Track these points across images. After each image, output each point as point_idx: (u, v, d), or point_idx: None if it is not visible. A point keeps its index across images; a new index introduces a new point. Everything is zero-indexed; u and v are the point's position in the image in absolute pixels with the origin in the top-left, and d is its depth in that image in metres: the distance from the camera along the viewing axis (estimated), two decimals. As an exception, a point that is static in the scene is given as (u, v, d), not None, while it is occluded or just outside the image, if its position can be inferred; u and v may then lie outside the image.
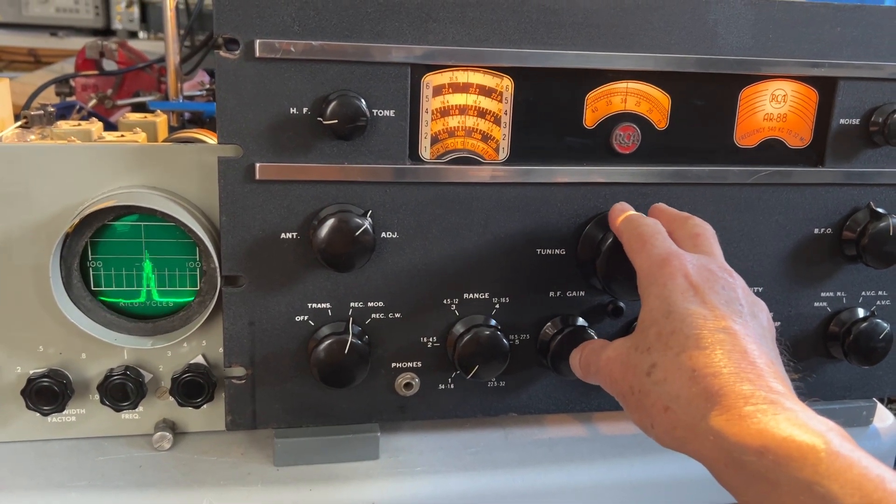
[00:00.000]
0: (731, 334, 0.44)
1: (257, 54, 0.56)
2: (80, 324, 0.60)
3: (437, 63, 0.59)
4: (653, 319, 0.47)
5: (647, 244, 0.53)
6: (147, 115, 0.88)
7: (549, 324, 0.66)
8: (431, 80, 0.60)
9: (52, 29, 2.71)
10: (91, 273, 0.62)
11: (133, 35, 2.72)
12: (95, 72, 1.31)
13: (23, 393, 0.62)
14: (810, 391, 0.73)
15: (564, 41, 0.61)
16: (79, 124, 0.76)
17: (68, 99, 1.31)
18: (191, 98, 1.24)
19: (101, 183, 0.60)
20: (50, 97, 1.30)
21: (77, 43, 2.67)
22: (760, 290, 0.69)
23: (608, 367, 0.52)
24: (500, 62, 0.60)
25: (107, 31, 2.76)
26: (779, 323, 0.70)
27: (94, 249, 0.62)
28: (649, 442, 0.70)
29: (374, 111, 0.59)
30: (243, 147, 0.58)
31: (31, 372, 0.62)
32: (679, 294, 0.47)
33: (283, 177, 0.59)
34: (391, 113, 0.60)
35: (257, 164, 0.58)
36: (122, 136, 0.75)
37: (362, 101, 0.58)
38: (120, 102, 1.25)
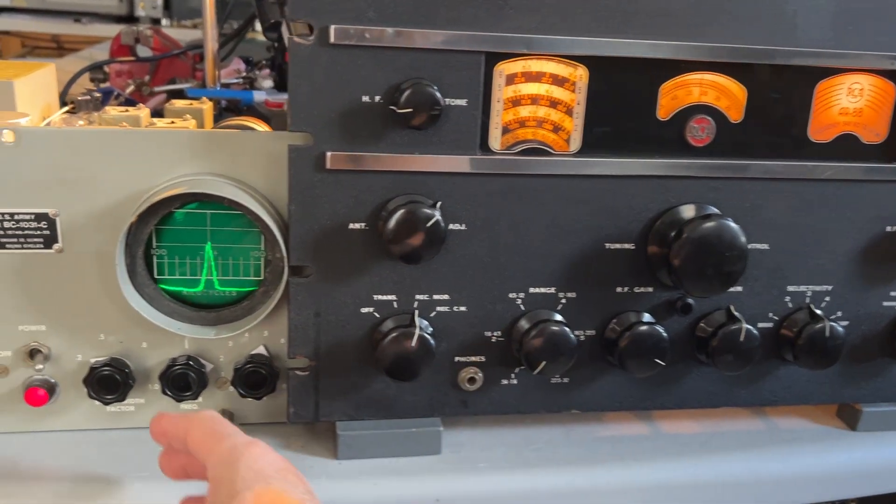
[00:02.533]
0: None
1: (332, 40, 0.55)
2: (144, 312, 0.60)
3: (511, 51, 0.58)
4: (247, 486, 0.46)
5: (225, 427, 0.51)
6: (193, 101, 0.87)
7: (615, 320, 0.65)
8: (504, 68, 0.59)
9: (76, 15, 2.70)
10: (155, 261, 0.61)
11: (156, 22, 2.71)
12: (132, 58, 1.30)
13: (85, 381, 0.61)
14: (877, 394, 0.72)
15: (640, 30, 0.59)
16: (126, 110, 0.75)
17: (102, 85, 1.31)
18: (227, 86, 1.23)
19: (167, 169, 0.59)
20: (83, 83, 1.29)
21: (100, 30, 2.67)
22: (829, 288, 0.68)
23: None
24: (574, 51, 0.59)
25: (130, 18, 2.75)
26: (847, 322, 0.69)
27: (158, 237, 0.61)
28: (714, 441, 0.69)
29: (447, 100, 0.58)
30: (314, 135, 0.57)
31: (93, 360, 0.62)
32: (274, 470, 0.47)
33: (354, 166, 0.58)
34: (463, 102, 0.58)
35: (328, 153, 0.57)
36: (173, 122, 0.73)
37: (436, 89, 0.56)
38: (157, 89, 1.24)
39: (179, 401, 0.62)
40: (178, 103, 0.84)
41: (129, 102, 1.13)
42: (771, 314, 0.68)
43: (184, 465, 0.54)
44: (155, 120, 0.74)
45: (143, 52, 1.34)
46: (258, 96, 1.13)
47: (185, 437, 0.52)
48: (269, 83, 1.27)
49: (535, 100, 0.60)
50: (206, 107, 0.84)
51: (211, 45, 1.14)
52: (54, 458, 0.62)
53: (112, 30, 2.55)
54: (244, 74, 1.27)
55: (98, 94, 0.94)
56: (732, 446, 0.69)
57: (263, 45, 1.51)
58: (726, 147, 0.64)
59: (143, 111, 0.74)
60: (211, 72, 1.19)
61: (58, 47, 2.80)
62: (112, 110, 0.74)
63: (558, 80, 0.60)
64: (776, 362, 0.70)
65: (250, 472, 0.47)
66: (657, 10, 0.59)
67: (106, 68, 1.31)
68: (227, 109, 1.12)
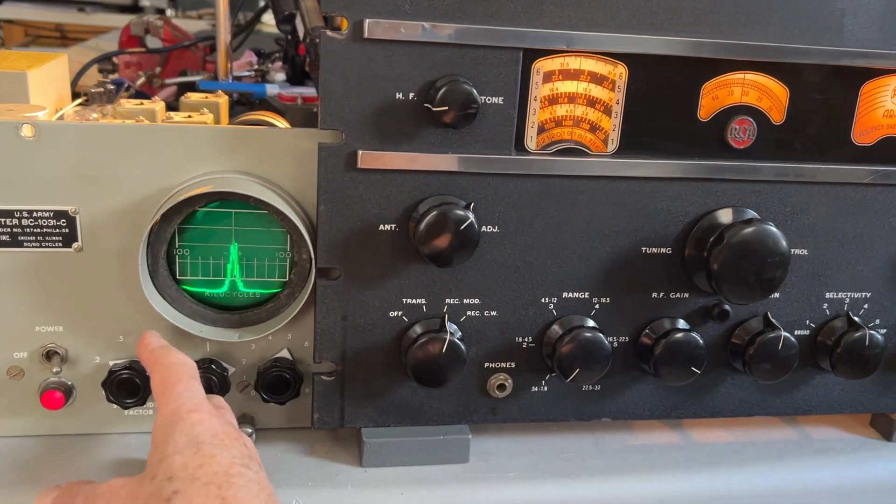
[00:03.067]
0: (255, 480, 0.46)
1: (365, 35, 0.53)
2: (166, 314, 0.58)
3: (549, 48, 0.56)
4: (177, 450, 0.46)
5: (179, 385, 0.51)
6: (208, 95, 0.85)
7: (649, 326, 0.63)
8: (542, 65, 0.57)
9: (80, 4, 2.67)
10: (177, 261, 0.59)
11: (161, 12, 2.69)
12: (142, 49, 1.28)
13: (104, 384, 0.59)
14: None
15: (683, 27, 0.57)
16: (141, 103, 0.73)
17: (111, 76, 1.28)
18: (239, 78, 1.21)
19: (191, 166, 0.57)
20: (92, 74, 1.27)
21: (105, 19, 2.64)
22: (868, 295, 0.66)
23: (109, 497, 0.48)
24: (614, 48, 0.57)
25: (135, 8, 2.72)
26: (885, 330, 0.67)
27: (181, 236, 0.59)
28: (746, 451, 0.68)
29: (483, 98, 0.56)
30: (346, 133, 0.55)
31: (112, 363, 0.60)
32: (209, 435, 0.48)
33: (386, 165, 0.56)
34: (499, 100, 0.56)
35: (360, 152, 0.55)
36: (190, 116, 0.71)
37: (472, 87, 0.54)
38: (168, 81, 1.22)
39: (201, 405, 0.60)
40: (194, 97, 0.82)
41: (140, 94, 1.10)
42: (808, 321, 0.66)
43: None
44: (171, 114, 0.72)
45: (153, 43, 1.31)
46: (271, 90, 1.11)
47: (150, 375, 0.54)
48: (281, 76, 1.25)
49: (572, 98, 0.58)
50: (223, 100, 0.82)
51: (224, 37, 1.12)
52: (71, 462, 0.60)
53: (116, 19, 2.52)
54: (256, 67, 1.25)
55: (111, 87, 0.92)
56: (765, 456, 0.67)
57: (272, 38, 1.49)
58: (767, 149, 0.62)
59: (158, 104, 0.72)
60: (223, 64, 1.17)
61: (61, 37, 2.77)
62: (127, 103, 0.72)
63: (597, 79, 0.58)
64: (811, 371, 0.68)
65: (183, 437, 0.47)
66: (700, 7, 0.57)
67: (115, 59, 1.29)
68: (239, 103, 1.10)
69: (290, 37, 1.25)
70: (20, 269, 0.57)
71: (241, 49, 1.37)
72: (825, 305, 0.66)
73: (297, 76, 1.25)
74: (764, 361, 0.63)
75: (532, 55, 0.56)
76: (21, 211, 0.56)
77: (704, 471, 0.65)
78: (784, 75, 0.60)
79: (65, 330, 0.59)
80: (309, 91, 1.12)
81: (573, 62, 0.57)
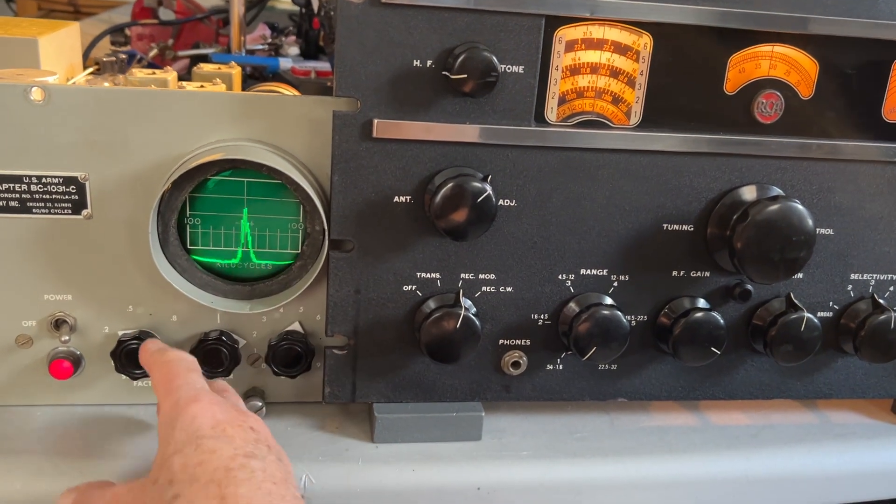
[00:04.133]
0: (259, 468, 0.45)
1: (383, -1, 0.51)
2: (176, 284, 0.57)
3: (573, 15, 0.54)
4: (177, 450, 0.45)
5: (177, 380, 0.51)
6: (221, 66, 0.83)
7: (668, 305, 0.62)
8: (565, 34, 0.55)
9: (93, -22, 2.65)
10: (188, 230, 0.58)
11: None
12: (154, 21, 1.27)
13: (113, 354, 0.58)
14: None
15: (711, -3, 0.55)
16: (154, 73, 0.71)
17: (124, 48, 1.27)
18: (252, 52, 1.19)
19: (203, 133, 0.56)
20: (104, 47, 1.26)
21: (117, -7, 2.62)
22: (894, 277, 0.64)
23: (115, 503, 0.47)
24: (639, 16, 0.55)
25: (148, -17, 2.69)
26: (910, 314, 0.65)
27: (192, 205, 0.58)
28: (765, 435, 0.66)
29: (503, 67, 0.54)
30: (361, 101, 0.54)
31: (121, 332, 0.59)
32: (209, 428, 0.46)
33: (402, 135, 0.55)
34: (520, 69, 0.55)
35: (375, 121, 0.54)
36: (202, 86, 0.70)
37: (493, 55, 0.53)
38: (181, 54, 1.21)
39: (211, 377, 0.59)
40: (207, 67, 0.81)
41: (153, 66, 1.09)
42: (832, 303, 0.64)
43: None
44: (183, 83, 0.71)
45: (166, 15, 1.30)
46: (284, 63, 1.10)
47: (151, 378, 0.53)
48: (295, 50, 1.23)
49: (595, 69, 0.56)
50: (235, 71, 0.80)
51: (237, 10, 1.11)
52: (79, 433, 0.59)
53: (129, -6, 2.50)
54: (269, 41, 1.23)
55: (123, 56, 0.91)
56: (784, 440, 0.66)
57: (286, 13, 1.47)
58: (795, 125, 0.60)
59: (170, 74, 0.71)
60: (237, 37, 1.16)
61: (74, 11, 2.75)
62: (139, 72, 0.71)
63: (621, 49, 0.56)
64: (833, 353, 0.66)
65: (183, 433, 0.46)
66: (729, -25, 0.55)
67: (127, 31, 1.27)
68: (252, 77, 1.08)
69: (304, 10, 1.23)
70: (29, 236, 0.56)
71: (255, 23, 1.36)
72: (849, 287, 0.64)
73: (310, 50, 1.23)
74: (786, 343, 0.61)
75: (554, 23, 0.54)
76: (30, 176, 0.55)
77: (722, 454, 0.64)
78: (814, 48, 0.58)
79: (74, 299, 0.58)
80: (323, 65, 1.11)
81: (597, 31, 0.56)
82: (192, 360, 0.53)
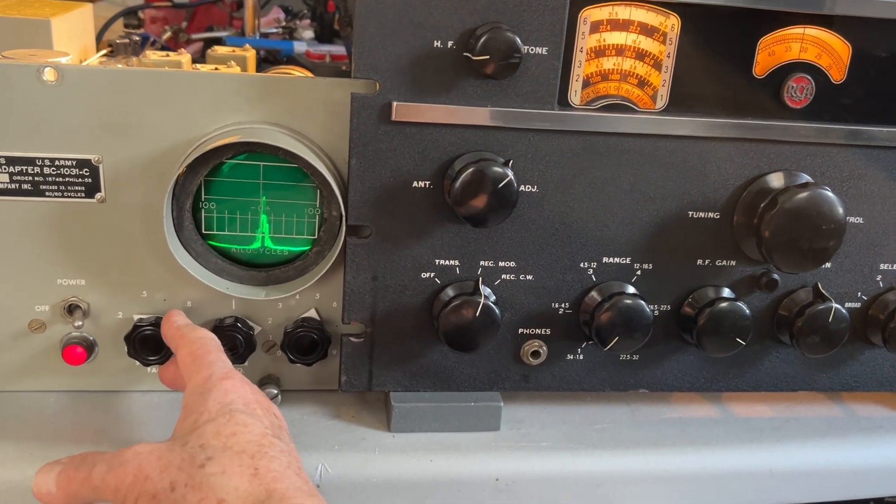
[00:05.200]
0: (286, 451, 0.45)
1: (403, -23, 0.50)
2: (191, 269, 0.56)
3: (598, -5, 0.53)
4: (210, 419, 0.46)
5: (209, 356, 0.51)
6: (235, 49, 0.82)
7: (693, 295, 0.60)
8: (590, 14, 0.54)
9: (106, -38, 2.64)
10: (203, 215, 0.57)
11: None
12: (167, 3, 1.25)
13: (127, 338, 0.57)
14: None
15: (741, -23, 0.53)
16: (167, 55, 0.70)
17: (137, 31, 1.26)
18: (266, 35, 1.18)
19: (218, 116, 0.54)
20: (117, 30, 1.25)
21: (130, -23, 2.61)
22: (925, 268, 0.63)
23: (138, 462, 0.45)
24: (667, -3, 0.53)
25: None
26: (941, 305, 0.64)
27: (207, 189, 0.57)
28: (789, 427, 0.65)
29: (526, 48, 0.53)
30: (380, 83, 0.52)
31: (137, 317, 0.58)
32: (242, 404, 0.47)
33: (421, 118, 0.53)
34: (543, 51, 0.53)
35: (394, 103, 0.52)
36: (216, 69, 0.69)
37: (516, 35, 0.51)
38: (194, 37, 1.20)
39: (225, 364, 0.59)
40: (221, 50, 0.80)
41: (166, 49, 1.08)
42: (860, 293, 0.63)
43: (174, 377, 0.57)
44: (198, 66, 0.69)
45: (180, -3, 1.29)
46: (299, 47, 1.09)
47: (177, 351, 0.53)
48: (309, 34, 1.22)
49: (620, 51, 0.55)
50: (250, 54, 0.79)
51: (252, -8, 1.09)
52: (92, 419, 0.58)
53: (142, -22, 2.49)
54: (283, 24, 1.22)
55: (137, 38, 0.90)
56: (809, 433, 0.65)
57: (298, -2, 1.45)
58: (825, 109, 0.58)
59: (184, 56, 0.70)
60: (251, 20, 1.15)
61: (87, -4, 2.74)
62: (152, 55, 0.70)
63: (647, 30, 0.55)
64: (861, 345, 0.65)
65: (216, 404, 0.46)
66: (761, -46, 0.53)
67: (140, 14, 1.26)
68: (266, 60, 1.07)
69: (320, -8, 1.22)
70: (42, 220, 0.55)
71: (269, 6, 1.34)
72: (878, 277, 0.62)
73: (325, 34, 1.22)
74: (812, 334, 0.60)
75: (579, 3, 0.53)
76: (43, 159, 0.54)
77: (744, 446, 0.62)
78: (847, 30, 0.56)
79: (87, 283, 0.57)
80: (338, 49, 1.09)
81: (622, 11, 0.54)
82: (219, 342, 0.53)
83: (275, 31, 1.21)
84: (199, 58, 0.91)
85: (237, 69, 0.70)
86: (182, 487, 0.43)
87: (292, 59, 1.05)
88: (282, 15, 1.28)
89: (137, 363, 0.59)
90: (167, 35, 1.17)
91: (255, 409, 0.47)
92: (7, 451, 0.54)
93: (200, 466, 0.43)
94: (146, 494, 0.44)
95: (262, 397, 0.50)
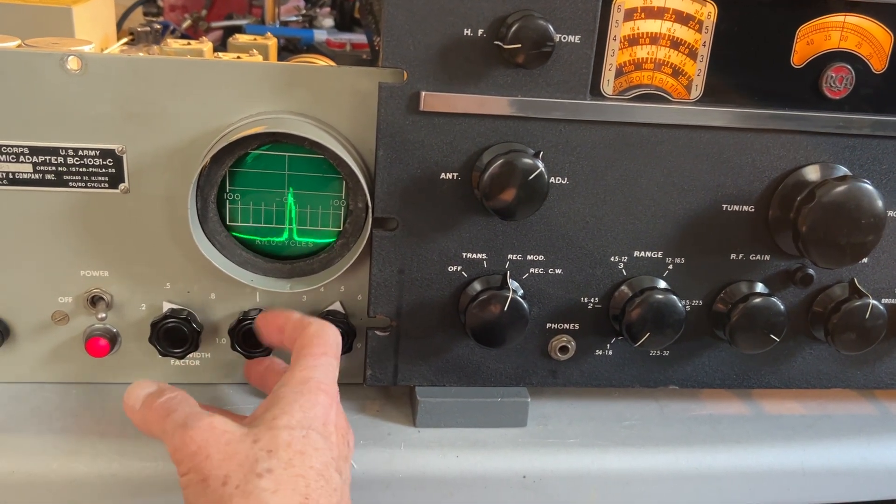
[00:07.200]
0: (338, 490, 0.45)
1: (434, -37, 0.49)
2: (215, 261, 0.55)
3: (633, -18, 0.51)
4: (289, 426, 0.45)
5: (324, 357, 0.51)
6: (256, 37, 0.81)
7: (726, 290, 0.59)
8: (624, 2, 0.52)
9: (124, -50, 2.63)
10: (227, 206, 0.56)
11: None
12: (187, -9, 1.25)
13: (153, 325, 0.57)
14: None
15: (781, -37, 0.52)
16: (189, 43, 0.69)
17: (157, 19, 1.25)
18: (286, 23, 1.17)
19: (243, 106, 0.53)
20: (136, 18, 1.24)
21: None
22: (964, 263, 0.61)
23: (207, 437, 0.44)
24: (704, -16, 0.52)
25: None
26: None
27: (232, 180, 0.56)
28: (822, 425, 0.64)
29: (559, 36, 0.51)
30: (409, 72, 0.51)
31: (169, 306, 0.57)
32: (321, 424, 0.46)
33: (450, 108, 0.52)
34: (576, 39, 0.52)
35: (423, 93, 0.51)
36: (238, 57, 0.68)
37: (548, 23, 0.50)
38: (214, 25, 1.19)
39: (250, 357, 0.58)
40: (243, 38, 0.79)
41: (186, 37, 1.07)
42: (897, 290, 0.61)
43: (263, 376, 0.57)
44: (219, 54, 0.69)
45: (199, -15, 1.28)
46: (319, 35, 1.08)
47: (298, 324, 0.52)
48: (329, 22, 1.21)
49: (654, 39, 0.53)
50: (272, 43, 0.78)
51: (272, -20, 1.08)
52: (116, 412, 0.58)
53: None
54: (304, 12, 1.21)
55: (158, 26, 0.89)
56: (842, 431, 0.63)
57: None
58: (865, 100, 0.56)
59: (206, 45, 0.69)
60: (271, 8, 1.14)
61: (105, -16, 2.73)
62: (174, 43, 0.69)
63: (683, 18, 0.53)
64: (896, 342, 0.63)
65: (301, 413, 0.46)
66: (801, -61, 0.51)
67: (160, 2, 1.26)
68: (286, 49, 1.06)
69: (340, -20, 1.20)
70: (65, 211, 0.55)
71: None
72: (917, 273, 0.61)
73: (345, 22, 1.20)
74: (848, 331, 0.58)
75: (612, -10, 0.51)
76: (66, 149, 0.53)
77: (776, 444, 0.61)
78: (889, 18, 0.55)
79: (110, 275, 0.57)
80: (358, 37, 1.08)
81: (657, -1, 0.52)
82: (341, 344, 0.53)
83: (295, 18, 1.20)
84: (220, 46, 0.91)
85: (259, 58, 0.69)
86: (233, 487, 0.42)
87: (312, 48, 1.04)
88: (301, 3, 1.27)
89: (159, 356, 0.58)
90: (187, 23, 1.16)
91: (331, 434, 0.47)
92: (30, 442, 0.54)
93: (258, 476, 0.42)
94: (199, 472, 0.43)
95: (343, 420, 0.49)
